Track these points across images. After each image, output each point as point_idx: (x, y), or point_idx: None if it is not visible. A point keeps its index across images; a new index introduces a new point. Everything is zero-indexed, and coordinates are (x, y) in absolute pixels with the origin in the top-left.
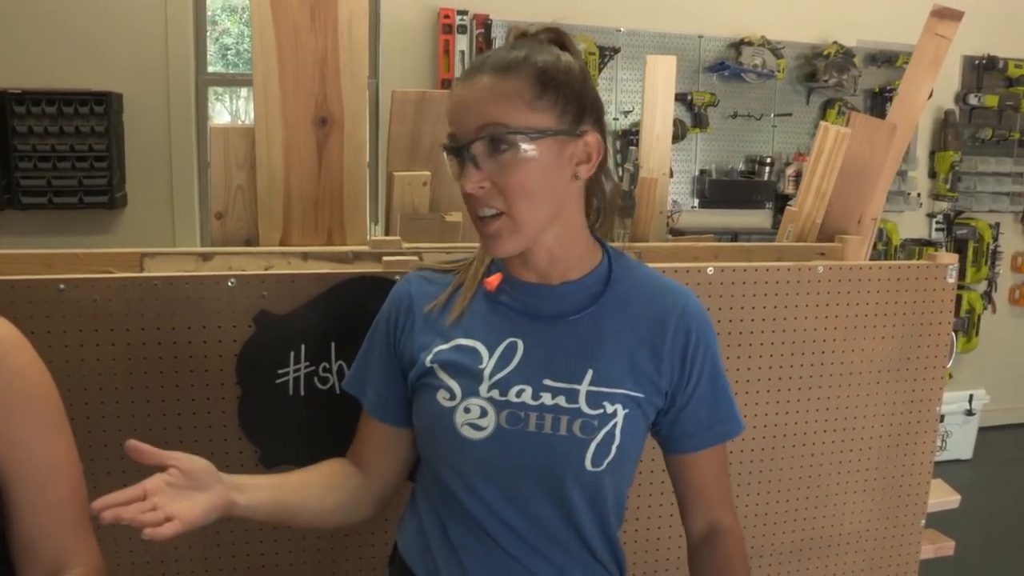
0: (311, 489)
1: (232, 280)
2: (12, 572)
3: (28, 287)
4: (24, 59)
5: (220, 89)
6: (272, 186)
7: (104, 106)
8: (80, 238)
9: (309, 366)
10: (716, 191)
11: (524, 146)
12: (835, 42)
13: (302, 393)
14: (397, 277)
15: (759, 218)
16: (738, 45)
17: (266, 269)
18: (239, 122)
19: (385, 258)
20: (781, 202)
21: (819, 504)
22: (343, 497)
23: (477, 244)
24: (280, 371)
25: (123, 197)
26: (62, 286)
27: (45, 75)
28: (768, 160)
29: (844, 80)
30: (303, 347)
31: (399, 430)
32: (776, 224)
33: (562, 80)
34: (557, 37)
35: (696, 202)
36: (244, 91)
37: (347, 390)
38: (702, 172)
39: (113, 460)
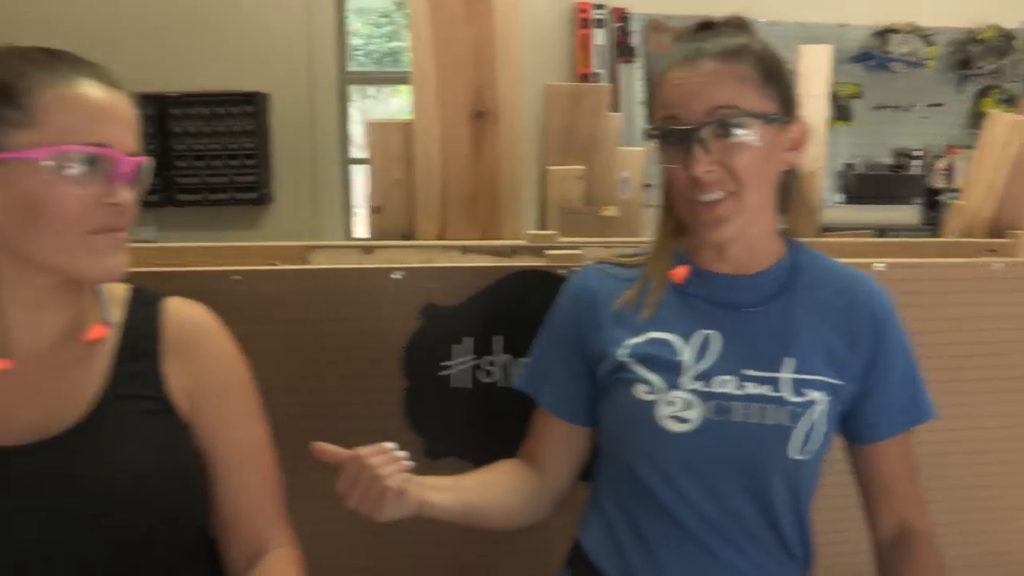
0: (491, 490)
1: (400, 273)
2: (213, 553)
3: (204, 278)
4: (181, 65)
5: (349, 88)
6: (429, 180)
7: (253, 106)
8: (231, 232)
9: (474, 359)
10: (861, 185)
11: (755, 129)
12: (993, 25)
13: (467, 386)
14: (562, 271)
15: (907, 214)
16: (884, 33)
17: (426, 262)
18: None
19: (549, 252)
20: (931, 197)
21: (994, 517)
22: (523, 498)
23: (640, 239)
24: (445, 363)
25: (270, 193)
26: (237, 277)
27: (199, 79)
28: (917, 153)
29: (1003, 66)
30: (468, 340)
31: (577, 427)
32: (927, 221)
33: (780, 66)
34: (743, 26)
35: (840, 197)
36: (372, 90)
37: (521, 389)
38: (846, 166)
39: (283, 452)
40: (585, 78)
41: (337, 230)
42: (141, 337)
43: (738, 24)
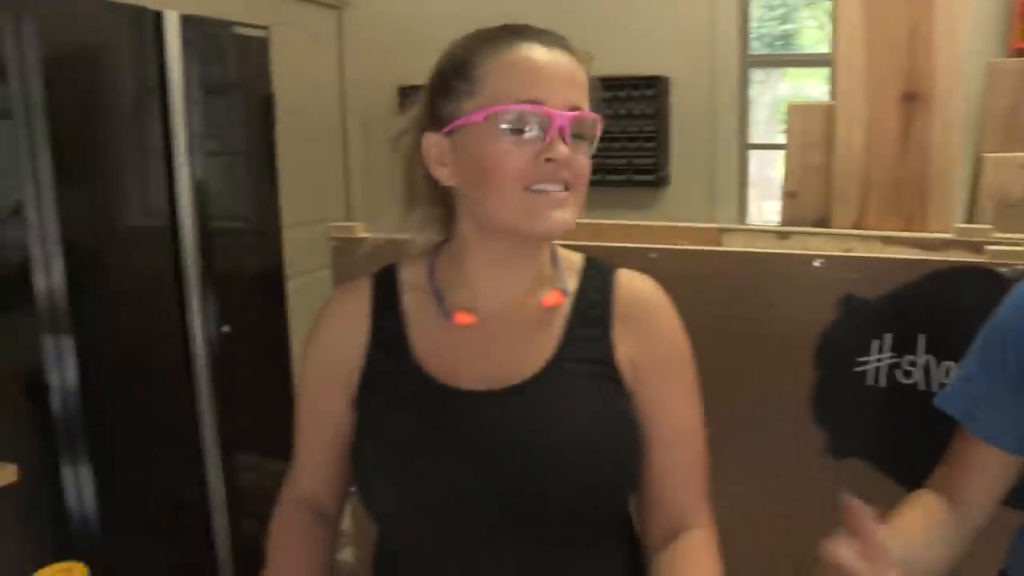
0: (917, 537)
1: (819, 260)
2: (630, 526)
3: (623, 255)
4: (587, 49)
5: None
6: (850, 166)
7: (654, 90)
8: (626, 213)
9: (893, 357)
10: None
11: None
12: None
13: (882, 384)
14: (1004, 271)
15: None
16: None
17: (846, 251)
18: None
19: (990, 248)
20: None
21: None
22: (949, 544)
23: None
24: (861, 359)
25: (666, 177)
26: (653, 255)
27: (603, 63)
28: None
29: None
30: (888, 336)
31: (1014, 457)
32: None
33: None
34: None
35: None
36: (760, 74)
37: (945, 408)
38: None
39: None
40: (1020, 53)
41: (732, 216)
42: (594, 305)
43: None
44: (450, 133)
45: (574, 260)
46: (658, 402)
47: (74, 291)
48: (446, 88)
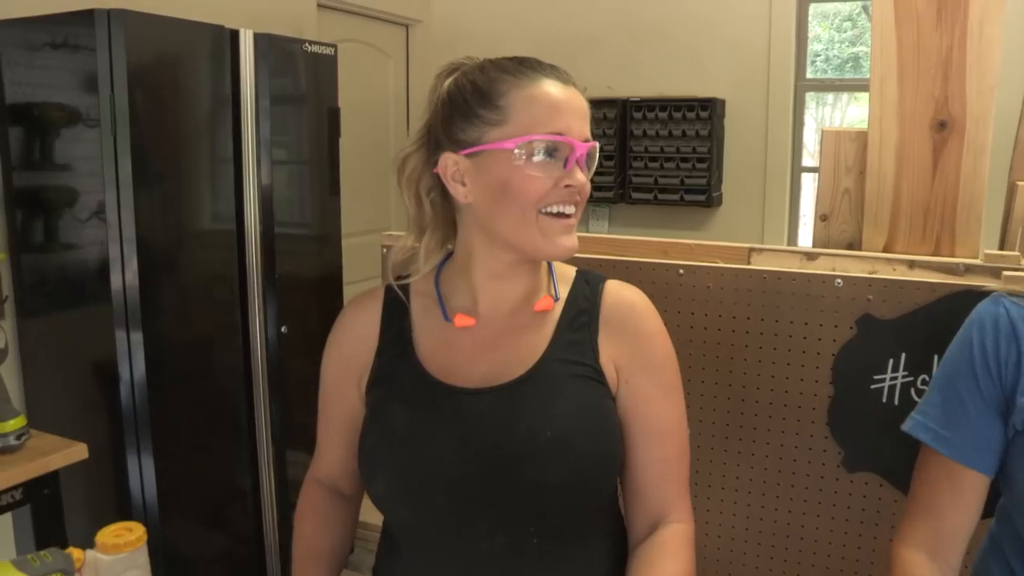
0: None
1: (839, 280)
2: (617, 513)
3: (652, 269)
4: (643, 71)
5: (806, 95)
6: (881, 191)
7: (708, 111)
8: (679, 232)
9: (907, 376)
10: None
11: None
12: None
13: (896, 402)
14: (1017, 297)
15: None
16: None
17: (870, 273)
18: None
19: (1006, 274)
20: None
21: None
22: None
23: None
24: (876, 377)
25: (719, 197)
26: (680, 271)
27: (659, 84)
28: None
29: None
30: (903, 356)
31: (985, 478)
32: None
33: None
34: None
35: None
36: (829, 97)
37: (913, 433)
38: None
39: (704, 436)
40: None
41: (782, 238)
42: (582, 311)
43: None
44: (472, 155)
45: (567, 272)
46: (641, 400)
47: (146, 289)
48: (469, 114)
